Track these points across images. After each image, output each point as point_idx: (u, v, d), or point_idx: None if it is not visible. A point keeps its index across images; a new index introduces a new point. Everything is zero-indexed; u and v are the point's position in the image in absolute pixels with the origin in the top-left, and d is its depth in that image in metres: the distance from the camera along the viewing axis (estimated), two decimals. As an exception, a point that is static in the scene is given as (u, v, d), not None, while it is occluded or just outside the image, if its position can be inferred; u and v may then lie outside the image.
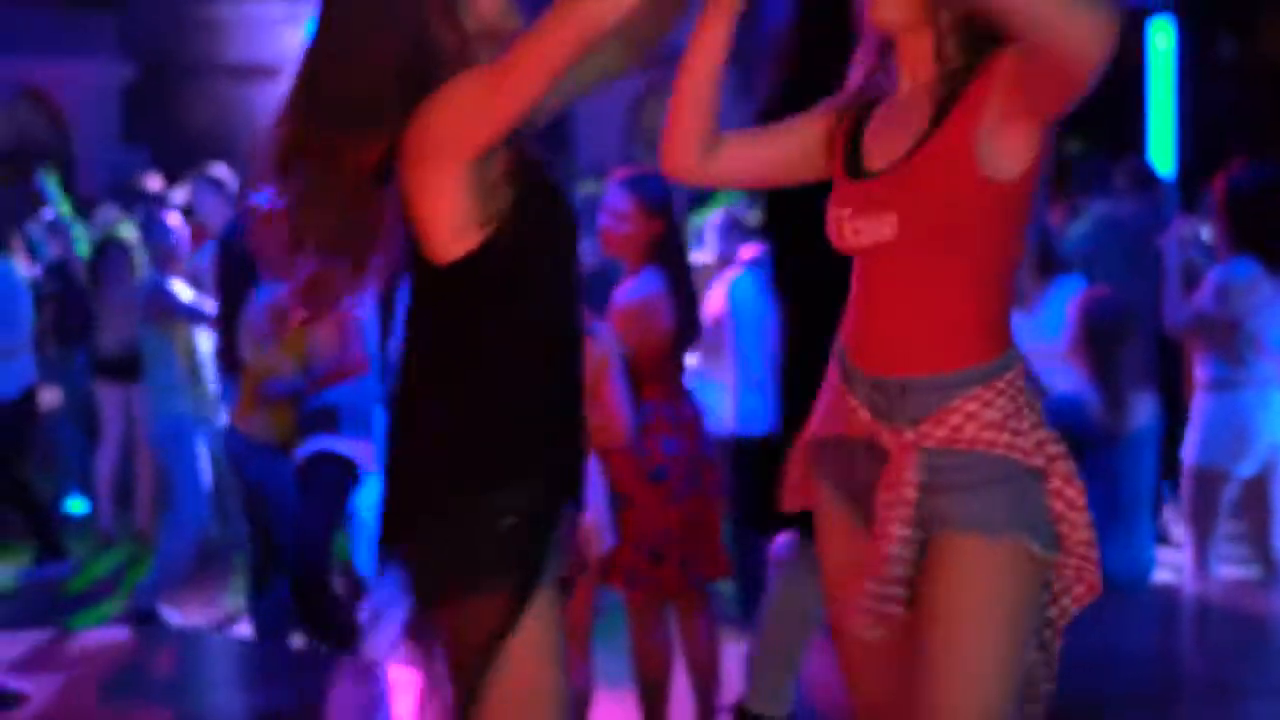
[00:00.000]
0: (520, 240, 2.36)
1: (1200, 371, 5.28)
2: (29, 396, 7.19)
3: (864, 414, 2.35)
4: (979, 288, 2.30)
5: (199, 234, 7.04)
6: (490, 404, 2.41)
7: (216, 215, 7.11)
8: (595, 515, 4.15)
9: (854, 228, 2.34)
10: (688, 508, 4.21)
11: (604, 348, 4.15)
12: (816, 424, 2.48)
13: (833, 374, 2.44)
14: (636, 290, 4.29)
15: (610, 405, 4.12)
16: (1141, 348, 5.31)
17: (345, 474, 5.26)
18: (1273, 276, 5.13)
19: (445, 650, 2.44)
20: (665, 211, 4.28)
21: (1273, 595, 5.43)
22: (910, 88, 2.36)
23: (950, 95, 2.27)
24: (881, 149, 2.35)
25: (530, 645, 2.37)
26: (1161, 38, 11.69)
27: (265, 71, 17.77)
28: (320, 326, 5.18)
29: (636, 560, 4.20)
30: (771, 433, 3.90)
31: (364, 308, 5.23)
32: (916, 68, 2.34)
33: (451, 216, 2.32)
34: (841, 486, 2.44)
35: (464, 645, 2.38)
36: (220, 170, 7.66)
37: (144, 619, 6.04)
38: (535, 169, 2.43)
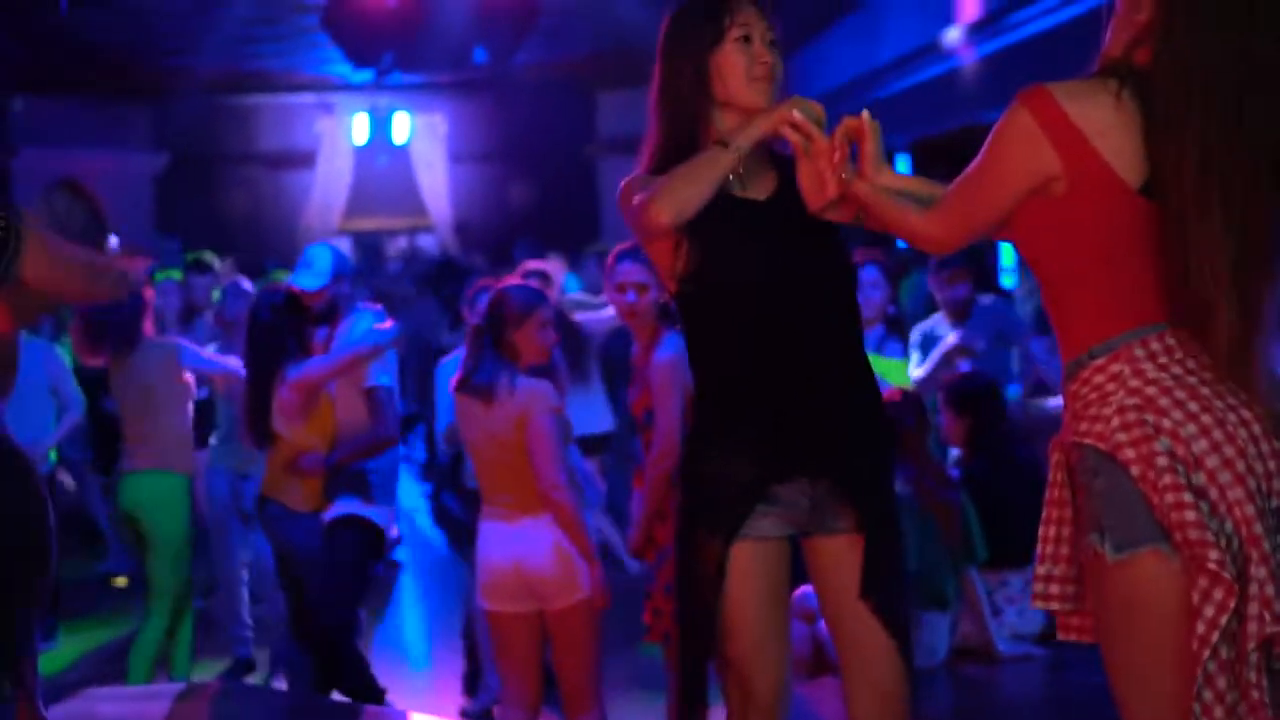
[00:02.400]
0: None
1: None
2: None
3: None
4: None
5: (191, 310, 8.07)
6: (703, 396, 3.08)
7: (203, 294, 8.65)
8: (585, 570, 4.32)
9: None
10: None
11: (522, 407, 4.27)
12: None
13: None
14: (670, 347, 4.52)
15: (537, 465, 4.24)
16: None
17: (370, 537, 5.42)
18: None
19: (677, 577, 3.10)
20: None
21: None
22: None
23: None
24: None
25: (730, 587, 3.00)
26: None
27: (297, 159, 18.14)
28: (348, 400, 5.36)
29: (668, 620, 4.31)
30: None
31: (390, 376, 5.44)
32: None
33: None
34: None
35: (691, 576, 3.04)
36: (211, 256, 9.22)
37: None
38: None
